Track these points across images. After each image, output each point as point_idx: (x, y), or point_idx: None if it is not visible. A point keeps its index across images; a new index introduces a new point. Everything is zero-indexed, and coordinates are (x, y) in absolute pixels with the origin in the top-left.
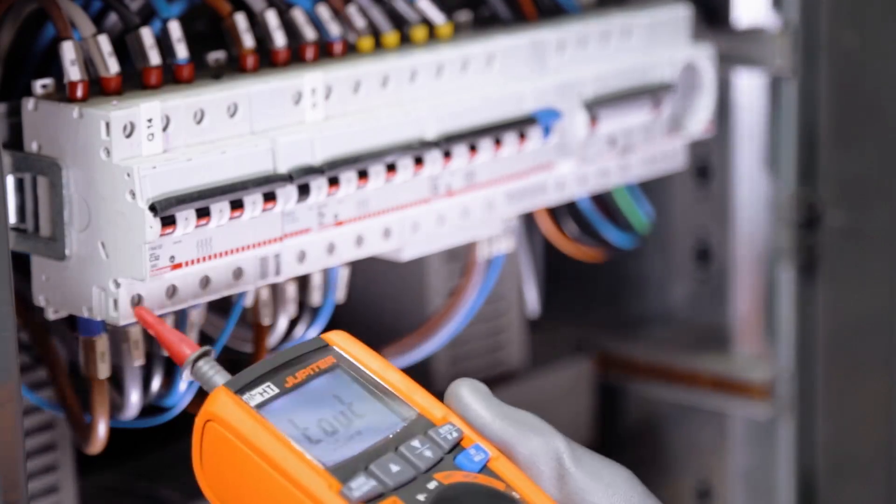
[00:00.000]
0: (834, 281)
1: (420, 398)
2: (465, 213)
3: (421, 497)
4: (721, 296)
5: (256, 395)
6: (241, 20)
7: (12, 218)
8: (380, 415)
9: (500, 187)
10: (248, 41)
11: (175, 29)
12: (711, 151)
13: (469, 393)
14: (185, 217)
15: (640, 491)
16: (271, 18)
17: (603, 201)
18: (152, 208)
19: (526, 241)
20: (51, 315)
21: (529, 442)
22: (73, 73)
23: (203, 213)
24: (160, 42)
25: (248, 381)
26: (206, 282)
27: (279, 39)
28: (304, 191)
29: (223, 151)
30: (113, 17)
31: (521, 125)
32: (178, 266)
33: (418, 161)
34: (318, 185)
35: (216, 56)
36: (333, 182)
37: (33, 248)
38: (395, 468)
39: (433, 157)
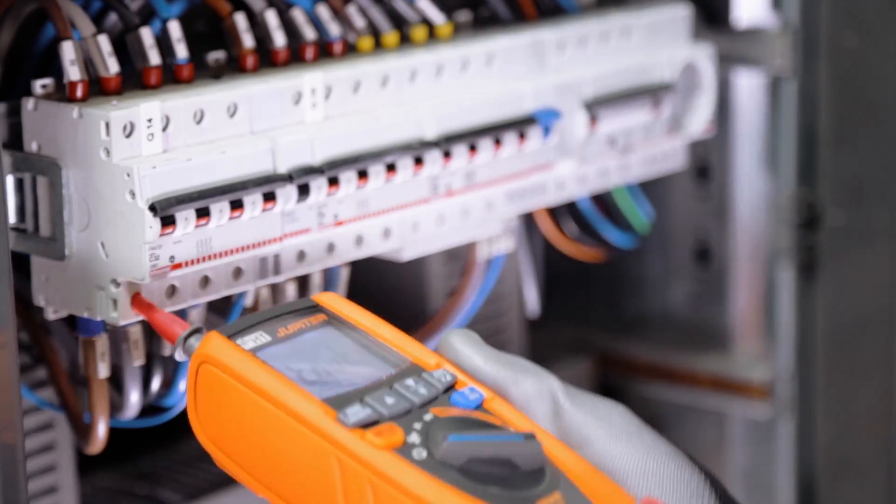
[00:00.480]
0: (834, 281)
1: (413, 348)
2: (465, 213)
3: (418, 426)
4: (721, 296)
5: (249, 341)
6: (241, 20)
7: (12, 218)
8: (373, 362)
9: (500, 187)
10: (248, 41)
11: (175, 29)
12: (711, 151)
13: (460, 340)
14: (185, 217)
15: (637, 423)
16: (271, 18)
17: (603, 201)
18: (152, 208)
19: (526, 241)
20: (51, 315)
21: (523, 382)
22: (73, 73)
23: (203, 213)
24: (160, 42)
25: (240, 328)
26: (205, 282)
27: (279, 39)
28: (304, 191)
29: (223, 151)
30: (113, 17)
31: (520, 125)
32: (178, 266)
33: (418, 161)
34: (318, 185)
35: (216, 56)
36: (333, 182)
37: (33, 248)
38: (390, 401)
39: (433, 157)
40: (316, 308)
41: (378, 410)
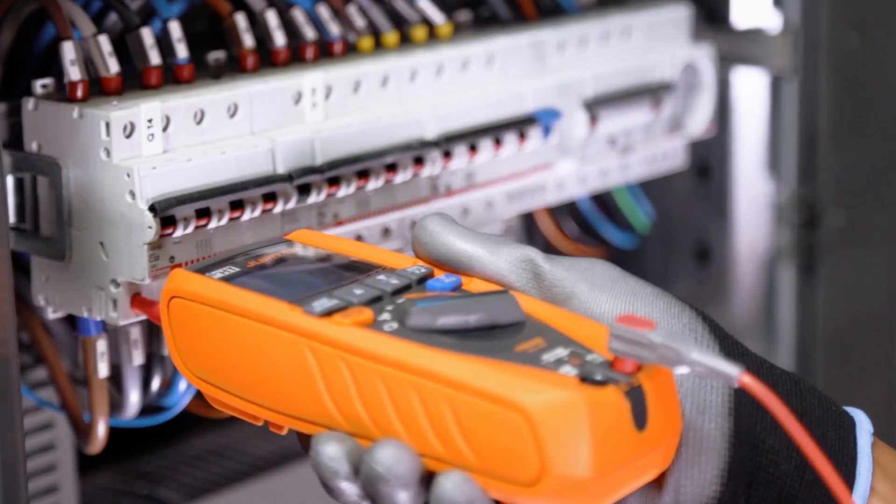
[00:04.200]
0: (834, 281)
1: (388, 257)
2: (465, 213)
3: (389, 307)
4: (721, 296)
5: (217, 273)
6: (241, 20)
7: (12, 218)
8: (345, 274)
9: (500, 187)
10: (248, 41)
11: (175, 29)
12: (711, 151)
13: (434, 221)
14: (185, 217)
15: (619, 271)
16: (271, 18)
17: (603, 201)
18: (152, 209)
19: (526, 241)
20: (51, 315)
21: (500, 252)
22: (74, 73)
23: (203, 214)
24: (160, 42)
25: (206, 264)
26: None
27: (279, 39)
28: (304, 191)
29: (223, 152)
30: (113, 17)
31: (521, 125)
32: (178, 266)
33: (418, 161)
34: (318, 185)
35: (216, 56)
36: (333, 182)
37: (33, 248)
38: (359, 291)
39: (433, 157)
40: (289, 243)
41: (346, 299)
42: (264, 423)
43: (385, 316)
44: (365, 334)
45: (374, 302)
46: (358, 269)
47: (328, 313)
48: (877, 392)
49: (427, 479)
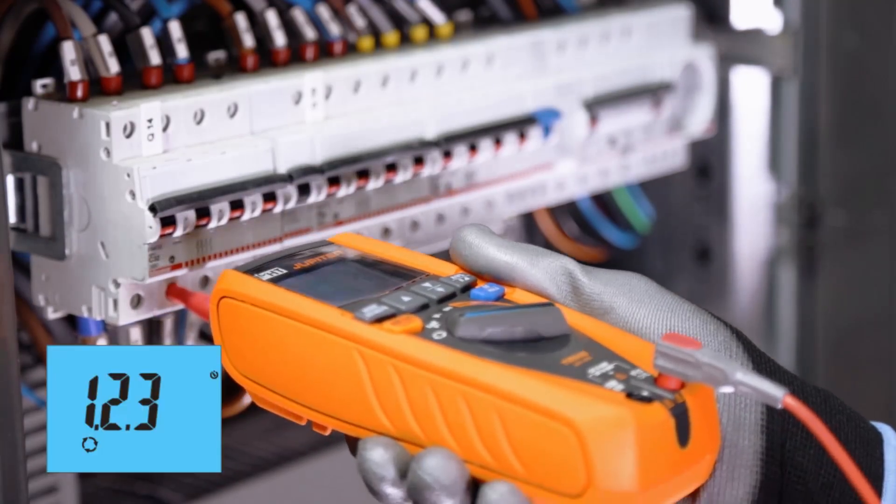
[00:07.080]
0: (834, 281)
1: (430, 263)
2: (465, 213)
3: (437, 315)
4: (721, 296)
5: (265, 275)
6: (241, 20)
7: (12, 218)
8: (390, 280)
9: (500, 187)
10: (249, 41)
11: (175, 29)
12: (711, 151)
13: (473, 232)
14: (185, 217)
15: (657, 286)
16: (271, 18)
17: (603, 201)
18: (152, 208)
19: (526, 240)
20: (51, 315)
21: (539, 263)
22: (74, 73)
23: (203, 214)
24: (160, 42)
25: (255, 265)
26: (205, 282)
27: (279, 39)
28: (304, 191)
29: (223, 152)
30: (113, 17)
31: (521, 125)
32: (178, 266)
33: (418, 161)
34: (318, 185)
35: (216, 56)
36: (333, 182)
37: (33, 248)
38: (406, 298)
39: (433, 157)
40: (332, 245)
41: (394, 306)
42: (307, 422)
43: (433, 324)
44: (416, 342)
45: (422, 310)
46: (402, 275)
47: (378, 320)
48: (877, 392)
49: (473, 488)
